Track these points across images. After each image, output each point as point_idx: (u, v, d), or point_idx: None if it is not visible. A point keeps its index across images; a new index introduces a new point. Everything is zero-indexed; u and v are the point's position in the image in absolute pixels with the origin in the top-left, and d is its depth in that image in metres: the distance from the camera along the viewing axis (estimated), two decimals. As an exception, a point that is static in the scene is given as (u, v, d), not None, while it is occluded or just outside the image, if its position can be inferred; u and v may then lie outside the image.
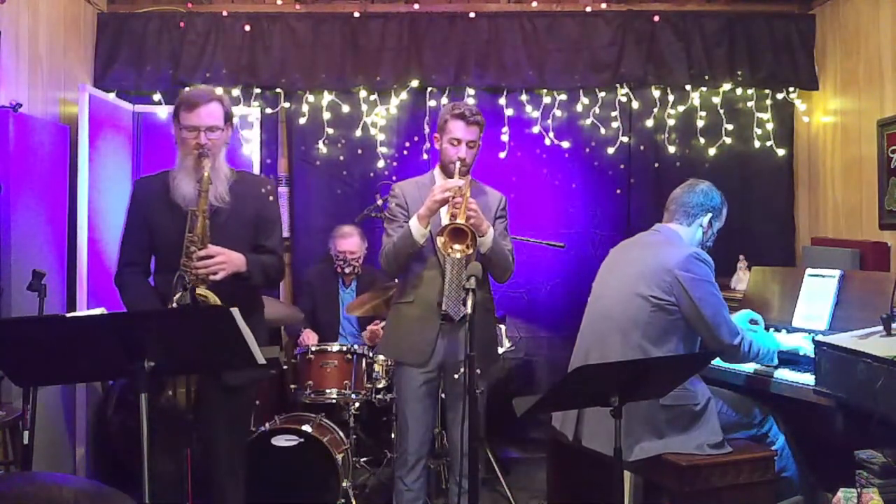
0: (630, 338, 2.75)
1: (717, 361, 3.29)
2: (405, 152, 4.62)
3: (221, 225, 2.61)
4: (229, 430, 2.68)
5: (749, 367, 3.12)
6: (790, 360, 3.07)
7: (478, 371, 2.49)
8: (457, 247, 2.69)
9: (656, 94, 4.62)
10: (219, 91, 2.75)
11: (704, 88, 4.62)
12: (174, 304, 2.44)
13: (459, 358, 2.91)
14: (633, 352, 2.73)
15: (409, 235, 2.85)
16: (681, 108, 4.63)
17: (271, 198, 2.83)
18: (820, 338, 2.90)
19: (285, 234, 4.67)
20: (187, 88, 2.79)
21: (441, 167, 3.04)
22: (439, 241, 2.70)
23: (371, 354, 3.76)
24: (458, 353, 2.93)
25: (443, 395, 3.17)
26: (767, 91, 4.64)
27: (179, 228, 2.57)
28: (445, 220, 2.85)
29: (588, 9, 4.59)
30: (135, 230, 2.69)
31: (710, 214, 2.95)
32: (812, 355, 2.87)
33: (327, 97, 4.55)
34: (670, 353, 2.74)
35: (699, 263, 2.76)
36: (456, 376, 2.95)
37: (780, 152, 4.65)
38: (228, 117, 2.68)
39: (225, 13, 4.51)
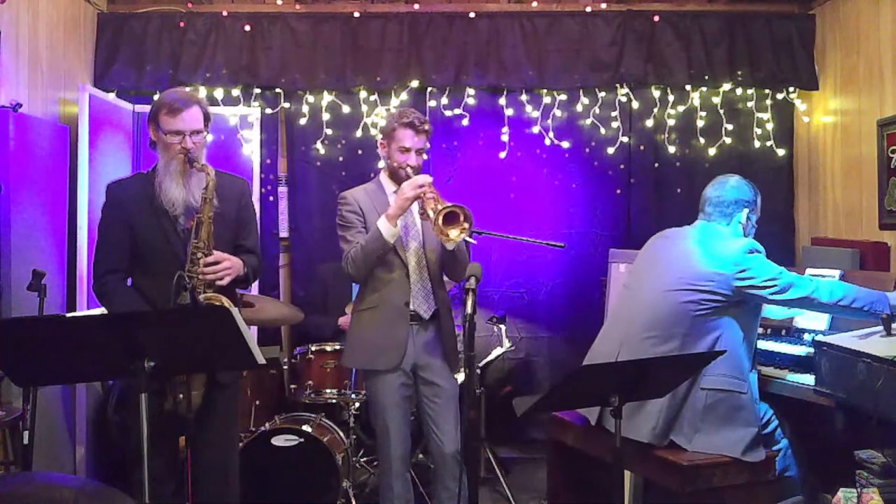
0: (672, 339, 2.73)
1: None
2: (405, 152, 4.61)
3: None
4: (222, 428, 2.69)
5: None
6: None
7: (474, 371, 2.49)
8: (453, 232, 2.68)
9: (656, 94, 4.62)
10: (196, 93, 2.72)
11: (704, 88, 4.62)
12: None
13: (430, 357, 2.92)
14: (672, 351, 2.72)
15: (380, 237, 2.80)
16: (681, 108, 4.63)
17: (248, 198, 2.86)
18: (820, 338, 2.91)
19: (283, 234, 4.69)
20: (166, 92, 2.74)
21: (389, 173, 3.03)
22: (435, 229, 2.69)
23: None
24: (428, 353, 2.92)
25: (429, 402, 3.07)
26: (767, 91, 4.64)
27: (165, 232, 2.60)
28: (415, 219, 2.91)
29: (588, 9, 4.59)
30: (116, 236, 2.63)
31: (746, 209, 2.92)
32: None
33: (327, 97, 4.55)
34: (714, 341, 2.72)
35: (750, 257, 2.74)
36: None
37: (780, 152, 4.65)
38: (207, 119, 2.68)
39: (225, 13, 4.51)
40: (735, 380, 2.69)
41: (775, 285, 2.72)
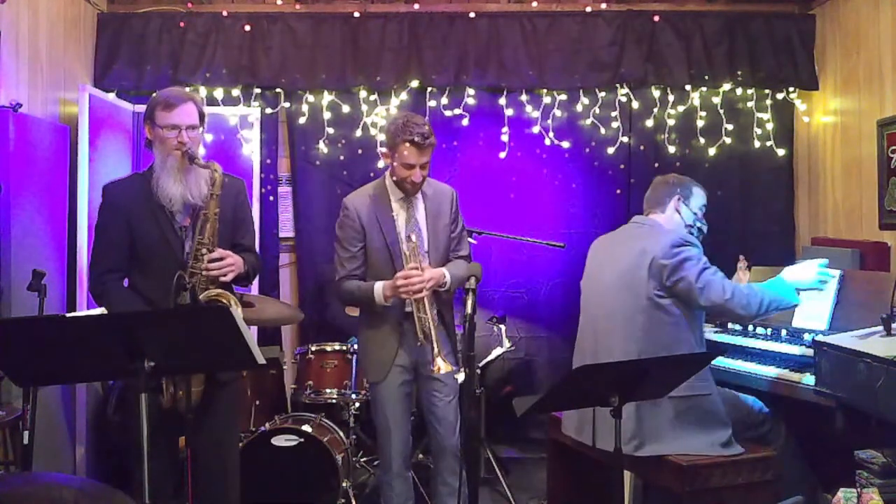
0: (632, 335, 2.74)
1: (720, 362, 3.28)
2: (405, 152, 4.61)
3: None
4: (222, 427, 2.70)
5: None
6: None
7: (471, 370, 2.49)
8: None
9: (656, 94, 4.62)
10: (193, 92, 2.73)
11: (704, 88, 4.61)
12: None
13: (428, 358, 2.91)
14: (634, 347, 2.72)
15: (372, 299, 2.88)
16: (681, 108, 4.63)
17: (245, 197, 2.88)
18: (820, 338, 2.91)
19: (289, 233, 4.69)
20: (161, 90, 2.76)
21: (394, 180, 2.99)
22: None
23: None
24: (425, 354, 2.92)
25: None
26: (767, 91, 4.63)
27: (162, 230, 2.60)
28: (400, 227, 2.92)
29: (588, 9, 4.59)
30: (114, 235, 2.63)
31: (676, 195, 2.96)
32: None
33: (327, 97, 4.55)
34: (675, 342, 2.72)
35: (677, 249, 2.75)
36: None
37: (780, 152, 4.65)
38: (203, 117, 2.70)
39: (225, 13, 4.51)
40: (698, 382, 2.67)
41: (691, 284, 2.71)
